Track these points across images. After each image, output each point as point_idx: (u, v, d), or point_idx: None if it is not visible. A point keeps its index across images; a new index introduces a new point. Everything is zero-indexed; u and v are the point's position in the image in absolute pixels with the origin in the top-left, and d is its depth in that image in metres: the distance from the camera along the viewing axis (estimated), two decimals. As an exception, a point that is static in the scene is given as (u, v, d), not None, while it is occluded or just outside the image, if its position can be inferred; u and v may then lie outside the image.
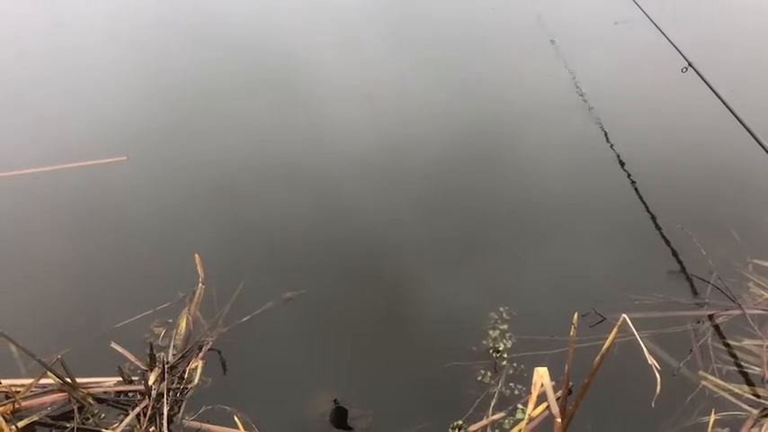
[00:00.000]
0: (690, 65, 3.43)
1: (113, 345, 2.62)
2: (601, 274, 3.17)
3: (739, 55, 4.98)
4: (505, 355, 2.73)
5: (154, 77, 5.05)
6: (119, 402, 2.58)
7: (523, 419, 2.41)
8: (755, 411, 2.47)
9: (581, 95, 4.60)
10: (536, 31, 5.55)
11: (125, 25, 5.94)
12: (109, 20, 6.04)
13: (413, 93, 4.76)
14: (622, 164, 3.89)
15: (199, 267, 3.04)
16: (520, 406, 2.52)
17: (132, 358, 2.65)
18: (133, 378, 2.61)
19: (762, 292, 2.95)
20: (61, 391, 2.52)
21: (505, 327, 2.85)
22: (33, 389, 2.50)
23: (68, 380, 2.47)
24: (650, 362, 1.99)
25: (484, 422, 2.47)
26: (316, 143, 4.16)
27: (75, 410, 2.50)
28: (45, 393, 2.53)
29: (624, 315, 1.97)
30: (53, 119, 4.46)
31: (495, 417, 2.49)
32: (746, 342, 2.75)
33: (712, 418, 2.32)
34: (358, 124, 4.38)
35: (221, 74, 5.09)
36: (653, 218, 3.46)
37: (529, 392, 2.40)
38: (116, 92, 4.80)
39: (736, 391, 2.55)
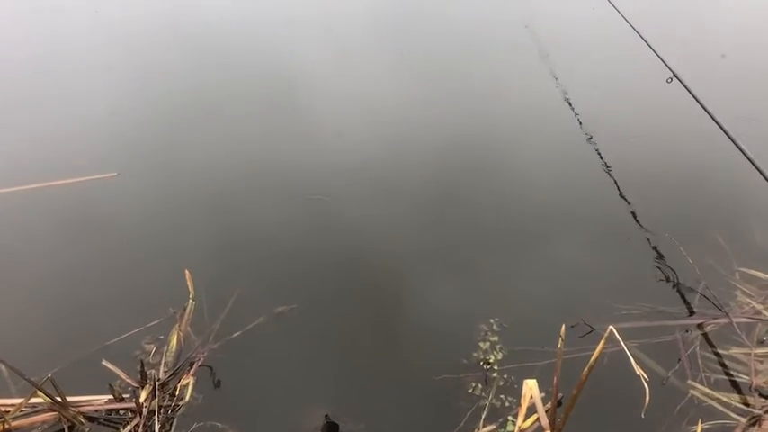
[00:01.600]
0: (675, 75, 3.47)
1: (104, 362, 2.62)
2: (590, 284, 3.19)
3: (724, 65, 5.06)
4: (496, 367, 2.74)
5: (143, 93, 5.07)
6: (110, 420, 2.57)
7: (514, 431, 2.42)
8: (744, 420, 2.49)
9: (570, 107, 4.66)
10: (526, 44, 5.62)
11: (116, 41, 5.97)
12: (99, 35, 6.07)
13: (406, 106, 4.79)
14: (611, 174, 3.93)
15: (189, 283, 3.04)
16: (510, 418, 2.53)
17: (123, 376, 2.65)
18: (124, 396, 2.60)
19: (749, 300, 2.98)
20: (51, 410, 2.51)
21: (496, 338, 2.86)
22: (23, 408, 2.48)
23: (59, 399, 2.46)
24: (638, 372, 2.01)
25: (475, 434, 2.49)
26: (307, 158, 4.18)
27: (66, 430, 2.49)
28: (35, 413, 2.52)
29: (611, 327, 2.00)
30: (44, 135, 4.47)
31: (486, 429, 2.49)
32: (734, 350, 2.77)
33: (700, 427, 2.34)
34: (350, 137, 4.41)
35: (211, 88, 5.11)
36: (641, 228, 3.50)
37: (519, 404, 2.42)
38: (106, 108, 4.80)
39: (725, 399, 2.57)
